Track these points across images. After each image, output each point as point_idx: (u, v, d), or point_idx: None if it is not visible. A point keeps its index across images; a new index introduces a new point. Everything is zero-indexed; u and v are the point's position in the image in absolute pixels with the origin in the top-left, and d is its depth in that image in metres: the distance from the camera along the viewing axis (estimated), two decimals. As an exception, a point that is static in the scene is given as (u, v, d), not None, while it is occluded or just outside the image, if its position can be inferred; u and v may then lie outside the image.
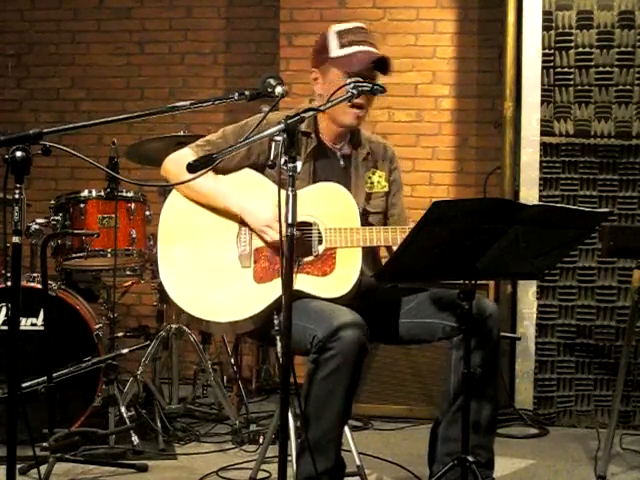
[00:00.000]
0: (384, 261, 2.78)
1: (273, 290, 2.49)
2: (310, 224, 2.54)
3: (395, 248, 2.60)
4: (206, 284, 2.54)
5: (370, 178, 2.73)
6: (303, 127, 2.64)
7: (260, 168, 2.64)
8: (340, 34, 2.60)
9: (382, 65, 2.60)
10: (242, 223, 2.58)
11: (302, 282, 2.48)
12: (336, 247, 2.52)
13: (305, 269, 2.52)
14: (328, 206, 2.55)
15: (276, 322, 2.45)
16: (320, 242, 2.54)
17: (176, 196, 2.65)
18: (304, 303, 2.42)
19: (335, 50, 2.59)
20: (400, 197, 2.83)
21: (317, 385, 2.33)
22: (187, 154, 2.61)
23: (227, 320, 2.52)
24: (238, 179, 2.63)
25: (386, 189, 2.76)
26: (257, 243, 2.57)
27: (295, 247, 2.44)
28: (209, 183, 2.57)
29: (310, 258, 2.53)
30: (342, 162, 2.72)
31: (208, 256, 2.56)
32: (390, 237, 2.51)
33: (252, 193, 2.59)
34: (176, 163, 2.63)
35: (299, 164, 2.59)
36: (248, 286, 2.53)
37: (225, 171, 2.63)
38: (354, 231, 2.51)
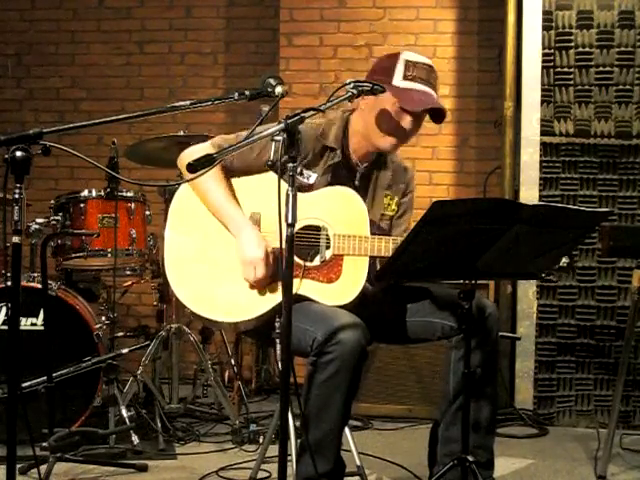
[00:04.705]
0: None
1: (276, 293, 2.48)
2: (319, 228, 2.52)
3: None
4: (210, 281, 2.52)
5: (383, 200, 2.70)
6: (330, 142, 2.60)
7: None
8: (407, 65, 2.53)
9: (436, 113, 2.57)
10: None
11: (307, 287, 2.46)
12: (344, 254, 2.49)
13: (311, 274, 2.49)
14: (338, 210, 2.52)
15: (277, 324, 2.44)
16: (328, 247, 2.51)
17: (189, 189, 2.61)
18: (305, 306, 2.41)
19: (398, 79, 2.52)
20: (405, 220, 2.76)
21: (316, 388, 2.32)
22: (206, 149, 2.55)
23: (228, 320, 2.51)
24: (257, 181, 2.58)
25: (393, 213, 2.73)
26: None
27: (302, 250, 2.44)
28: (218, 195, 2.53)
29: (317, 263, 2.51)
30: (361, 180, 2.66)
31: (215, 253, 2.54)
32: None
33: (266, 197, 2.55)
34: (192, 157, 2.55)
35: (314, 175, 2.58)
36: (251, 288, 2.51)
37: (248, 172, 2.58)
38: (363, 239, 2.47)
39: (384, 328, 2.62)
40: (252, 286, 2.50)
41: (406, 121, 2.52)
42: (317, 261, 2.51)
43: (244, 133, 2.65)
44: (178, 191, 2.64)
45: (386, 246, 2.47)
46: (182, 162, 2.63)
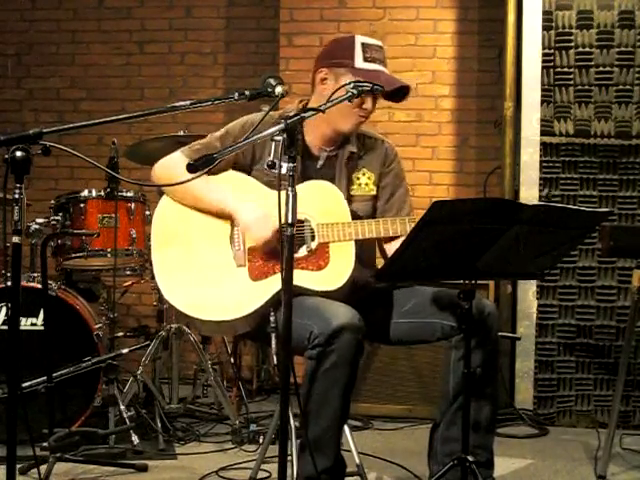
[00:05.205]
0: (379, 260, 2.79)
1: (269, 287, 2.51)
2: (302, 221, 2.55)
3: (390, 246, 2.62)
4: (202, 284, 2.55)
5: (358, 179, 2.70)
6: None
7: (243, 169, 2.65)
8: (364, 47, 2.59)
9: (393, 93, 2.61)
10: (235, 223, 2.59)
11: (298, 277, 2.46)
12: (329, 242, 2.53)
13: (300, 265, 2.52)
14: (318, 203, 2.56)
15: (272, 319, 2.45)
16: (313, 238, 2.55)
17: (167, 200, 2.66)
18: (300, 300, 2.41)
19: (359, 61, 2.57)
20: (394, 205, 2.73)
21: (315, 382, 2.34)
22: (178, 158, 2.61)
23: (225, 319, 2.52)
24: (226, 180, 2.63)
25: (373, 192, 2.71)
26: (251, 242, 2.57)
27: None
28: (202, 186, 2.55)
29: (304, 254, 2.54)
30: (324, 163, 2.69)
31: (202, 257, 2.58)
32: (382, 229, 2.52)
33: (242, 194, 2.59)
34: (167, 168, 2.64)
35: (284, 165, 2.60)
36: (244, 284, 2.54)
37: (212, 173, 2.59)
38: (346, 225, 2.52)
39: (384, 329, 2.62)
40: (243, 283, 2.52)
41: (368, 102, 2.58)
42: (304, 252, 2.54)
43: (218, 134, 2.67)
44: (158, 205, 2.67)
45: (369, 228, 2.52)
46: (159, 175, 2.67)
